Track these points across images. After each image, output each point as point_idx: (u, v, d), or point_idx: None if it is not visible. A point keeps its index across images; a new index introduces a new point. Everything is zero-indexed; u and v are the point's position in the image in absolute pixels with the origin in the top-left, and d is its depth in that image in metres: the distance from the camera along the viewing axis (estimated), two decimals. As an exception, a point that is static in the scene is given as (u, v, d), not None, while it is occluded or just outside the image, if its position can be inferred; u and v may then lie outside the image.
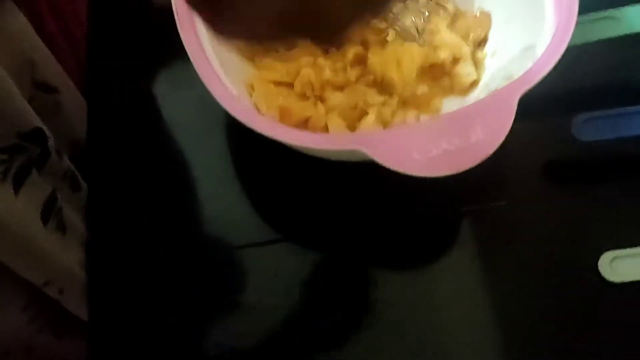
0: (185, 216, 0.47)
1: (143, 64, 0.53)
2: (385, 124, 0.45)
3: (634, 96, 0.46)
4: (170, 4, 0.42)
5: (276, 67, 0.48)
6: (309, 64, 0.47)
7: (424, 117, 0.46)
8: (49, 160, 0.45)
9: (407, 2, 0.51)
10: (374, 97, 0.46)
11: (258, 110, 0.44)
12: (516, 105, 0.36)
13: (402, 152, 0.35)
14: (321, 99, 0.46)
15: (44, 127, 0.44)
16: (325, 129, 0.45)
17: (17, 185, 0.41)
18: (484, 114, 0.36)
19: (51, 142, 0.45)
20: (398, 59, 0.47)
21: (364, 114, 0.45)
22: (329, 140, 0.38)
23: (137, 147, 0.50)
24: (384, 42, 0.49)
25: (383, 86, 0.47)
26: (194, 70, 0.40)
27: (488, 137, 0.35)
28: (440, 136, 0.35)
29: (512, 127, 0.36)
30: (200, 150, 0.49)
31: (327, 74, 0.46)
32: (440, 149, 0.35)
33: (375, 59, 0.47)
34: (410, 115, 0.45)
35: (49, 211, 0.45)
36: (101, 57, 0.54)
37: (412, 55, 0.47)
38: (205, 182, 0.48)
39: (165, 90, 0.52)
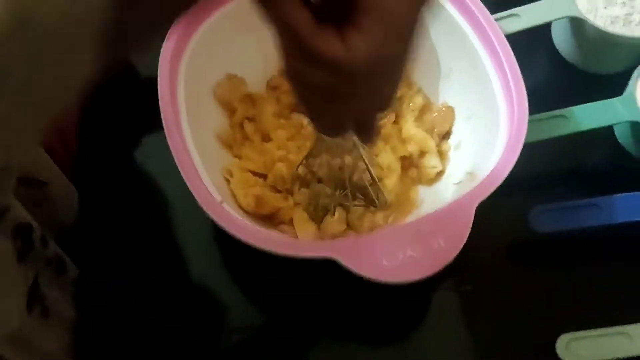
0: (173, 299, 0.49)
1: (130, 150, 0.56)
2: (350, 223, 0.48)
3: (586, 189, 0.50)
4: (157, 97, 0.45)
5: (254, 158, 0.50)
6: (282, 159, 0.50)
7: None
8: (32, 250, 0.45)
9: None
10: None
11: (235, 197, 0.47)
12: (473, 213, 0.40)
13: (372, 258, 0.39)
14: (291, 192, 0.49)
15: (30, 220, 0.44)
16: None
17: None
18: (443, 224, 0.40)
19: (36, 234, 0.45)
20: None
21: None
22: (302, 247, 0.41)
23: (127, 230, 0.52)
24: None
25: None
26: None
27: (448, 244, 0.39)
28: (406, 243, 0.39)
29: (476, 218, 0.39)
30: (188, 233, 0.51)
31: (301, 170, 0.49)
32: (407, 255, 0.39)
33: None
34: (378, 217, 0.48)
35: (33, 300, 0.44)
36: (90, 146, 0.56)
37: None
38: (193, 265, 0.50)
39: (152, 173, 0.55)
